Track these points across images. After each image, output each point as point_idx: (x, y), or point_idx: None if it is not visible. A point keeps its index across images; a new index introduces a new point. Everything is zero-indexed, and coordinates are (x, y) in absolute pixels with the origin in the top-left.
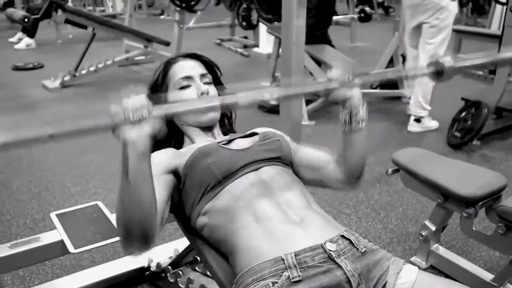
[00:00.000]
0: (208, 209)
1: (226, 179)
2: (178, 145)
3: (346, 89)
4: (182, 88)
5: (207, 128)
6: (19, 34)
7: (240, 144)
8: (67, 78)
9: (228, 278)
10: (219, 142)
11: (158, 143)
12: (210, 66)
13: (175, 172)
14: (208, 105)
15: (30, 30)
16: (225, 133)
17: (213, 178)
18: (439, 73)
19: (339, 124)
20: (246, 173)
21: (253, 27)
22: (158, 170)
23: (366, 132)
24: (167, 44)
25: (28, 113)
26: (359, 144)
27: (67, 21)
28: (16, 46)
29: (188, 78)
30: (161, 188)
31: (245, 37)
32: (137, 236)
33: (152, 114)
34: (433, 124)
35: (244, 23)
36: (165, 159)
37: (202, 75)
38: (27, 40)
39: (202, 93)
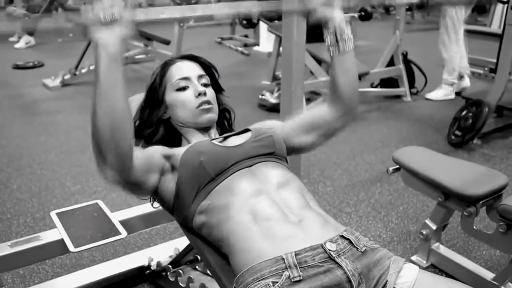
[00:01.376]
0: (204, 207)
1: (219, 176)
2: (175, 146)
3: (326, 8)
4: (180, 89)
5: (204, 129)
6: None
7: (233, 141)
8: (67, 76)
9: (228, 277)
10: (212, 140)
11: (155, 144)
12: (208, 68)
13: (169, 160)
14: (188, 15)
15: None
16: (222, 133)
17: (206, 175)
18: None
19: (327, 50)
20: (240, 169)
21: (253, 25)
22: (152, 149)
23: (355, 57)
24: (167, 43)
25: (29, 111)
26: (349, 66)
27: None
28: (16, 46)
29: (186, 79)
30: (150, 153)
31: (246, 36)
32: (111, 151)
33: (124, 17)
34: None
35: (244, 22)
36: (160, 147)
37: (200, 76)
38: (26, 38)
39: (199, 94)
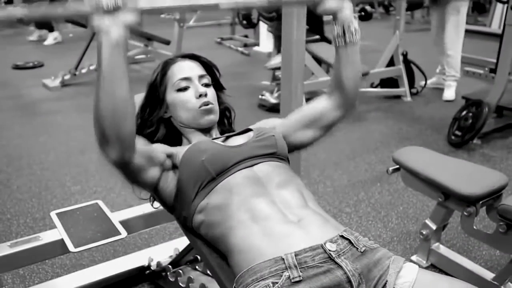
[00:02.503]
0: (203, 206)
1: (220, 175)
2: (176, 145)
3: (335, 0)
4: (180, 90)
5: (205, 130)
6: (38, 32)
7: (235, 141)
8: (67, 77)
9: (228, 277)
10: (213, 139)
11: (156, 143)
12: (209, 67)
13: (170, 159)
14: (192, 3)
15: (48, 25)
16: (223, 133)
17: (207, 175)
18: None
19: (333, 41)
20: (241, 169)
21: (253, 25)
22: (154, 145)
23: (360, 54)
24: (167, 43)
25: (29, 112)
26: (354, 58)
27: (67, 20)
28: (45, 43)
29: (187, 79)
30: (152, 147)
31: (246, 36)
32: (112, 134)
33: (127, 4)
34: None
35: (244, 22)
36: (161, 145)
37: (201, 76)
38: (53, 34)
39: (200, 95)
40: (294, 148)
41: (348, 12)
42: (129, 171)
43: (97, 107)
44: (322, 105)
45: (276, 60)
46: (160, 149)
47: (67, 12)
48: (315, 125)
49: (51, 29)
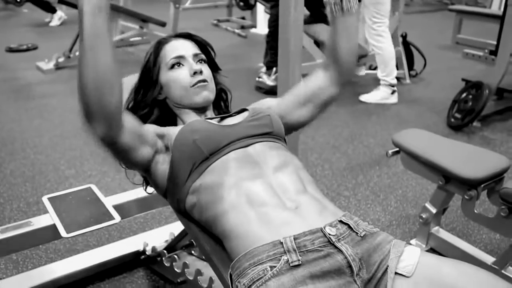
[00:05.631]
0: (196, 187)
1: (214, 155)
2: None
3: None
4: (174, 68)
5: (200, 110)
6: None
7: (230, 121)
8: (61, 59)
9: (223, 262)
10: (207, 119)
11: None
12: (204, 46)
13: (162, 140)
14: None
15: (50, 7)
16: (219, 115)
17: (200, 154)
18: None
19: (330, 11)
20: (235, 149)
21: (250, 7)
22: (146, 126)
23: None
24: (163, 24)
25: (22, 95)
26: (352, 29)
27: (61, 1)
28: (51, 24)
29: (181, 57)
30: (143, 126)
31: (243, 18)
32: (95, 104)
33: None
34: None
35: (241, 3)
36: (153, 126)
37: (195, 55)
38: (58, 14)
39: (195, 73)
40: (291, 128)
41: None
42: (118, 150)
43: (80, 77)
44: (317, 82)
45: None
46: (151, 129)
47: None
48: (310, 103)
49: (53, 11)
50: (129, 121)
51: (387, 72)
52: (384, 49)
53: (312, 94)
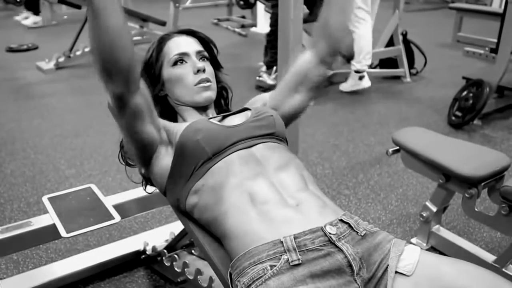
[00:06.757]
0: (198, 187)
1: (217, 156)
2: None
3: None
4: (177, 65)
5: (201, 108)
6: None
7: (232, 121)
8: (61, 59)
9: (223, 262)
10: (210, 118)
11: None
12: (206, 43)
13: (167, 132)
14: None
15: (33, 8)
16: (220, 113)
17: (203, 154)
18: None
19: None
20: (238, 149)
21: (250, 6)
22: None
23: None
24: (163, 24)
25: (23, 95)
26: (346, 5)
27: (61, 1)
28: (24, 22)
29: (184, 54)
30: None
31: (243, 17)
32: (112, 67)
33: None
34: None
35: (241, 2)
36: (160, 120)
37: (198, 52)
38: (34, 18)
39: (198, 70)
40: (289, 117)
41: None
42: (129, 112)
43: (93, 41)
44: (305, 64)
45: None
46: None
47: None
48: (302, 87)
49: (36, 12)
50: (144, 88)
51: (359, 59)
52: (360, 35)
53: (302, 76)
